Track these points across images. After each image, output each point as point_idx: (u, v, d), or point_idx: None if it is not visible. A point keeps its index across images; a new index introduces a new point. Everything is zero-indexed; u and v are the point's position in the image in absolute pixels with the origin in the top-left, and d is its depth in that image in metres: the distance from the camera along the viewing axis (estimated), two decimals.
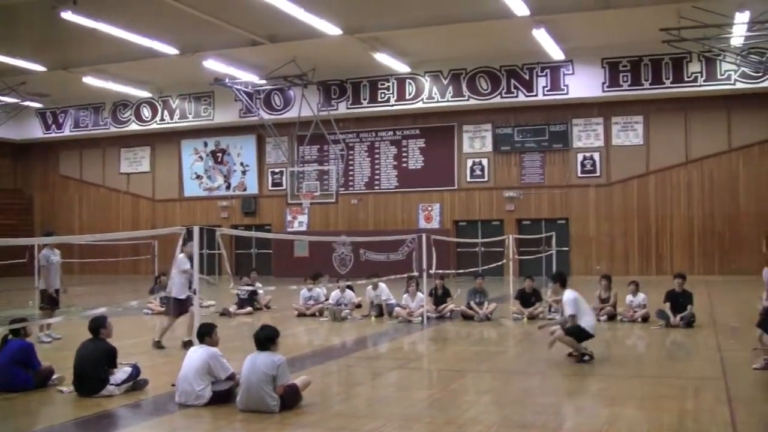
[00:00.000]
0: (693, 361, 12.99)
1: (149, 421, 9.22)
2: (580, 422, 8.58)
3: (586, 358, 12.17)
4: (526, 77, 32.24)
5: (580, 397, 10.22)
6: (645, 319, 17.13)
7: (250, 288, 20.43)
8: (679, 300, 16.69)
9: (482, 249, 33.29)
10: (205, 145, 39.25)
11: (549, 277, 12.94)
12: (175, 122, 38.23)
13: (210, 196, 39.22)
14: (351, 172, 36.44)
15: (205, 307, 19.00)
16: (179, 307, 14.37)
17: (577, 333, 12.17)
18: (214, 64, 30.75)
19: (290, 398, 9.14)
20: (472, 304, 18.36)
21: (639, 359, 13.42)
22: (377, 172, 36.11)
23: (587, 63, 31.39)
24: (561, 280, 12.91)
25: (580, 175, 33.23)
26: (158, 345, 14.26)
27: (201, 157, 39.37)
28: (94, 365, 9.97)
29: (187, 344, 14.06)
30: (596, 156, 32.99)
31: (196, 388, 9.34)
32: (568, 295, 12.43)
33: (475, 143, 34.66)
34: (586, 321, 12.26)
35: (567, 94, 31.91)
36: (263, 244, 36.94)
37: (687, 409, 9.13)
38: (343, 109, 34.83)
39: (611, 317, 17.55)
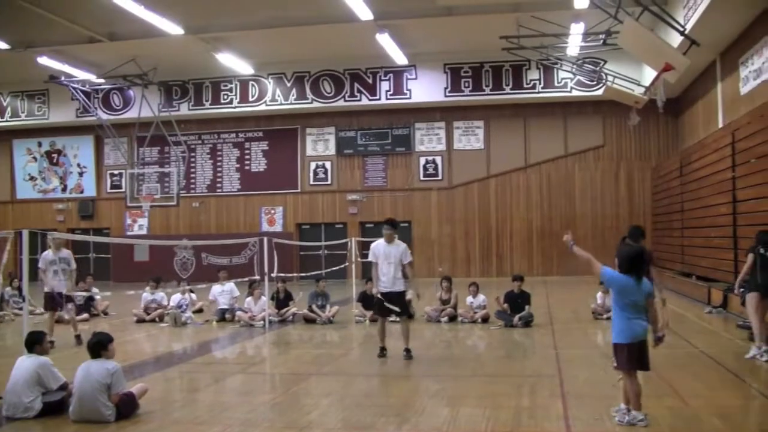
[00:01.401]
0: (530, 359, 13.32)
1: None
2: (420, 422, 8.64)
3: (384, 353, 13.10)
4: (370, 81, 32.49)
5: (421, 397, 10.30)
6: (485, 319, 17.50)
7: (86, 293, 19.82)
8: (517, 301, 17.15)
9: (325, 252, 33.33)
10: (39, 145, 37.83)
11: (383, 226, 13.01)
12: (7, 121, 36.51)
13: (45, 199, 37.80)
14: (193, 175, 35.85)
15: (38, 314, 18.35)
16: (53, 302, 14.72)
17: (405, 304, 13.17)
18: (48, 61, 29.56)
19: (126, 407, 8.90)
20: (314, 307, 18.36)
21: (478, 359, 13.66)
22: (219, 174, 35.66)
23: (430, 68, 31.91)
24: (394, 222, 13.31)
25: (422, 178, 33.73)
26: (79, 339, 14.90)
27: (35, 158, 37.90)
28: None
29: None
30: (438, 159, 33.57)
31: (24, 400, 8.93)
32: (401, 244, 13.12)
33: (319, 146, 34.69)
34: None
35: (410, 98, 32.34)
36: (101, 248, 35.93)
37: (523, 406, 9.36)
38: (184, 110, 34.22)
39: (452, 318, 17.86)
